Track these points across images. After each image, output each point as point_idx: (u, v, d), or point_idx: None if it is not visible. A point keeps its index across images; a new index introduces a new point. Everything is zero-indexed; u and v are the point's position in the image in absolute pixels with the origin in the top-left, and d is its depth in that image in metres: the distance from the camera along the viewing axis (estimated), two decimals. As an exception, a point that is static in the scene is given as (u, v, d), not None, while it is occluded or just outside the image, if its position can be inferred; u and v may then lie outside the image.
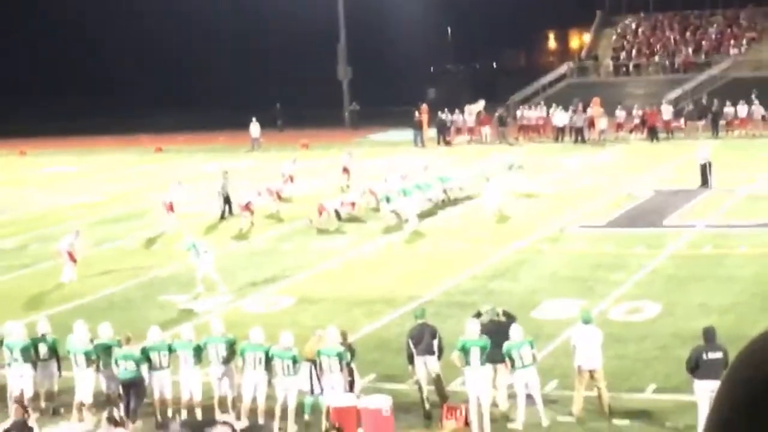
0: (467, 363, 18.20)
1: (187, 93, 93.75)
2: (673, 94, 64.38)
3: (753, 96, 57.77)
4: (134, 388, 18.86)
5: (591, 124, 58.38)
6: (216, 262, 29.43)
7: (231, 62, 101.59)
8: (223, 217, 39.02)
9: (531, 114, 61.45)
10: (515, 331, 18.43)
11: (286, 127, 71.02)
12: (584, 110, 58.57)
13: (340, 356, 18.30)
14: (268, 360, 18.64)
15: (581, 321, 19.07)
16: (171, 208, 37.24)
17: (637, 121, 58.04)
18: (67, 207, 43.40)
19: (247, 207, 36.83)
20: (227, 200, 39.28)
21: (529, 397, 18.23)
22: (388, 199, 36.47)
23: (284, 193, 40.38)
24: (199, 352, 19.13)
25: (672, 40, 75.25)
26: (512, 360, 18.16)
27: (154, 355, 19.14)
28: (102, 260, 33.00)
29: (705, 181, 40.22)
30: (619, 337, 22.13)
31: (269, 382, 18.77)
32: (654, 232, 33.29)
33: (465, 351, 18.17)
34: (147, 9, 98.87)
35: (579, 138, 57.24)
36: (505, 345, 18.25)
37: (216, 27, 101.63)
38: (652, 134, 56.19)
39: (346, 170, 44.88)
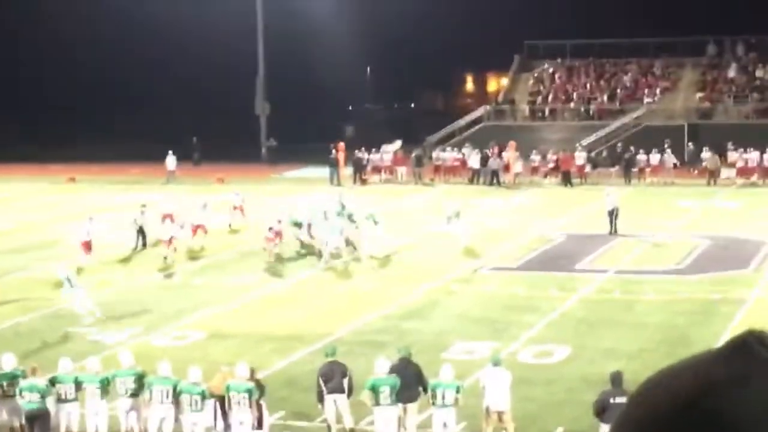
0: (377, 402, 18.18)
1: (102, 123, 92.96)
2: (588, 140, 65.10)
3: (665, 144, 58.66)
4: (39, 420, 18.57)
5: (506, 167, 58.82)
6: (127, 295, 29.11)
7: (148, 93, 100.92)
8: (136, 248, 38.66)
9: (446, 155, 61.78)
10: (446, 371, 18.45)
11: (203, 160, 70.69)
12: (500, 153, 59.00)
13: (249, 392, 18.19)
14: (176, 394, 18.47)
15: (491, 363, 19.15)
16: (88, 247, 36.55)
17: (551, 165, 58.60)
18: (-25, 235, 42.71)
19: (170, 241, 36.52)
20: (141, 232, 38.92)
21: None
22: (299, 225, 36.75)
23: (206, 225, 39.72)
24: (106, 384, 18.90)
25: (587, 87, 76.19)
26: (434, 397, 18.18)
27: (60, 387, 18.87)
28: (9, 290, 32.50)
29: (613, 228, 40.62)
30: (528, 380, 22.24)
31: (176, 417, 18.59)
32: (565, 275, 33.55)
33: (375, 390, 18.15)
34: (63, 37, 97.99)
35: (494, 180, 57.63)
36: (433, 381, 18.30)
37: (133, 57, 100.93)
38: (566, 179, 56.75)
39: (238, 209, 43.37)
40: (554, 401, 21.15)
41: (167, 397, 18.46)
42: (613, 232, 40.38)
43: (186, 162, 66.57)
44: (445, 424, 18.19)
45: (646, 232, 40.82)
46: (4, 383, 19.06)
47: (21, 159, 72.00)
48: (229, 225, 42.37)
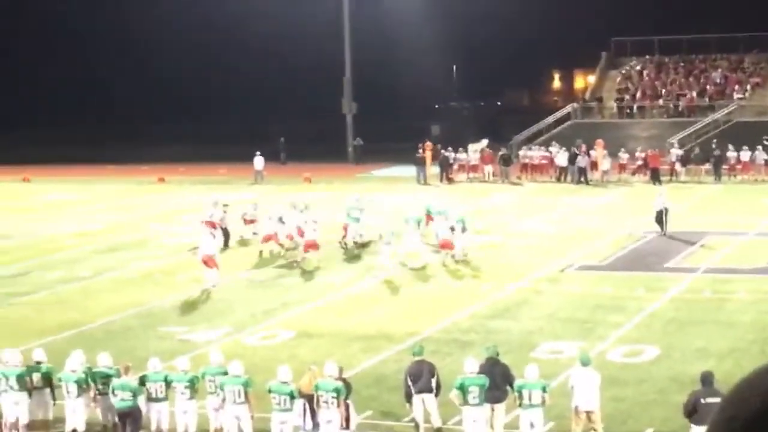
0: (465, 402, 18.16)
1: (191, 125, 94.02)
2: (677, 137, 64.43)
3: (764, 142, 57.81)
4: (130, 418, 18.81)
5: (594, 165, 58.45)
6: (216, 294, 29.43)
7: (236, 95, 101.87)
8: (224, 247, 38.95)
9: (534, 153, 61.51)
10: (531, 371, 18.35)
11: (290, 160, 71.12)
12: (588, 151, 58.62)
13: (337, 391, 18.25)
14: (248, 393, 18.56)
15: (579, 363, 19.02)
16: (213, 225, 36.94)
17: (639, 163, 58.10)
18: (68, 235, 43.40)
19: (269, 238, 36.97)
20: (225, 232, 39.21)
21: None
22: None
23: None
24: (194, 383, 19.08)
25: (676, 84, 75.41)
26: (521, 398, 18.08)
27: (151, 386, 19.10)
28: (101, 289, 32.99)
29: (663, 228, 39.89)
30: (617, 380, 22.08)
31: (251, 416, 18.66)
32: (654, 275, 33.25)
33: (463, 389, 18.13)
34: (154, 41, 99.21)
35: (581, 178, 57.25)
36: (519, 382, 18.20)
37: (223, 60, 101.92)
38: (655, 177, 56.21)
39: (250, 222, 40.97)
40: (644, 401, 20.97)
41: (239, 396, 18.57)
42: (664, 231, 39.68)
43: (274, 162, 67.02)
44: (532, 424, 18.11)
45: (736, 230, 40.30)
46: (99, 381, 19.35)
47: (111, 160, 72.99)
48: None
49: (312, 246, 35.60)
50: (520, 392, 18.11)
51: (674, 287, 31.24)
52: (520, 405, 18.15)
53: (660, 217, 39.92)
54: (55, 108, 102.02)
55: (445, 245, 35.68)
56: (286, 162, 71.06)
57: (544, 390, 18.27)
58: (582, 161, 57.73)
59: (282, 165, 69.71)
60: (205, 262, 32.80)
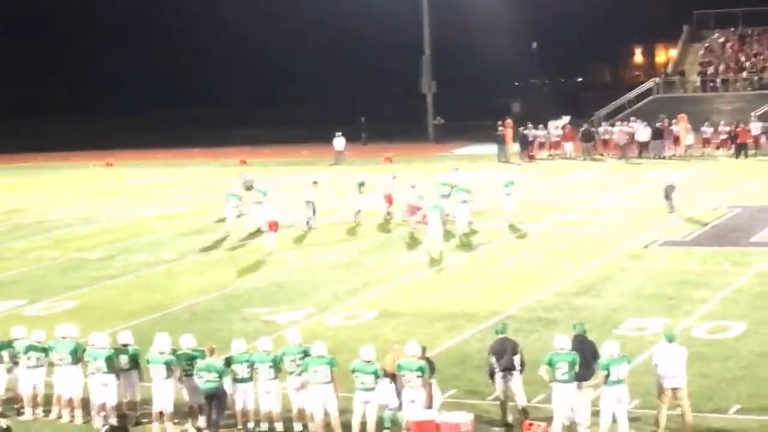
0: (554, 378, 18.07)
1: (272, 107, 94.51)
2: (761, 110, 63.50)
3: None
4: (216, 399, 18.95)
5: (677, 139, 57.85)
6: (300, 275, 29.62)
7: (316, 76, 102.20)
8: (308, 224, 39.23)
9: (615, 129, 60.97)
10: (612, 346, 18.16)
11: (370, 140, 71.26)
12: (670, 125, 58.01)
13: (421, 370, 18.25)
14: (333, 373, 18.58)
15: (665, 339, 18.83)
16: (275, 226, 37.02)
17: (724, 137, 57.41)
18: (152, 218, 43.89)
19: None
20: (313, 208, 39.55)
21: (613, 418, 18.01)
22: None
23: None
24: (276, 363, 19.17)
25: (761, 56, 74.28)
26: (608, 374, 17.91)
27: (236, 367, 19.23)
28: (185, 271, 33.32)
29: (671, 204, 39.39)
30: (703, 356, 21.86)
31: (336, 395, 18.70)
32: (740, 249, 32.85)
33: (552, 365, 18.04)
34: (240, 27, 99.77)
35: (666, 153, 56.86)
36: (604, 359, 18.03)
37: (302, 41, 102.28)
38: (740, 150, 55.51)
39: (389, 198, 41.33)
40: (730, 377, 20.74)
41: (325, 376, 18.60)
42: (672, 210, 39.16)
43: (355, 142, 67.22)
44: (619, 400, 17.97)
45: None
46: (184, 363, 19.52)
47: (195, 143, 73.67)
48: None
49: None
50: (608, 369, 17.94)
51: (760, 262, 30.83)
52: (607, 382, 17.97)
53: (667, 194, 39.44)
54: (137, 93, 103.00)
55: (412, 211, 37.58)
56: (366, 142, 71.22)
57: (628, 362, 18.13)
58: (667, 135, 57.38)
59: (363, 145, 69.86)
60: (270, 226, 35.82)
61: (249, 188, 41.97)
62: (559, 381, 18.05)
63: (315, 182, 40.80)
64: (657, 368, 18.27)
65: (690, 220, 38.06)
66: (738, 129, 56.70)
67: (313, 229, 39.05)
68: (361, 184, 40.60)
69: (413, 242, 36.23)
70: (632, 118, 62.29)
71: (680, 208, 39.61)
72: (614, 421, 17.86)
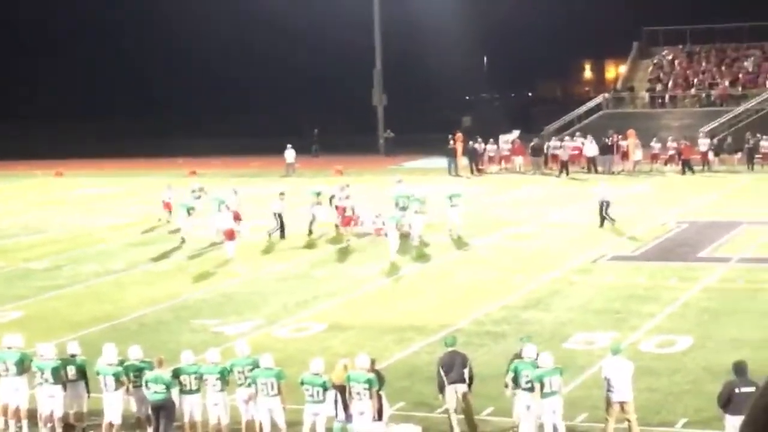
0: (516, 386, 18.27)
1: (222, 118, 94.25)
2: (708, 127, 64.12)
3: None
4: (164, 411, 18.88)
5: (625, 155, 58.27)
6: (249, 286, 29.58)
7: (268, 88, 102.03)
8: (281, 235, 39.36)
9: (565, 144, 61.27)
10: (546, 358, 18.36)
11: (320, 152, 71.26)
12: (618, 141, 58.44)
13: (369, 383, 18.27)
14: (280, 385, 18.59)
15: (611, 353, 18.98)
16: (232, 235, 36.92)
17: (672, 152, 57.88)
18: (101, 228, 43.63)
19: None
20: (280, 219, 39.54)
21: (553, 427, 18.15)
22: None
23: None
24: (224, 375, 19.12)
25: (709, 73, 75.00)
26: (542, 386, 18.08)
27: (183, 378, 19.17)
28: (134, 282, 33.15)
29: (603, 220, 39.76)
30: (651, 370, 22.01)
31: (284, 408, 18.69)
32: (687, 264, 33.11)
33: (517, 373, 18.27)
34: (185, 35, 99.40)
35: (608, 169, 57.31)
36: (537, 372, 18.20)
37: (252, 52, 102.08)
38: (684, 167, 55.99)
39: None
40: (677, 392, 20.89)
41: (272, 389, 18.60)
42: (602, 225, 39.57)
43: (306, 154, 67.31)
44: (554, 412, 18.14)
45: (771, 219, 40.10)
46: (132, 374, 19.44)
47: (144, 153, 73.33)
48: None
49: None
50: (541, 381, 18.11)
51: (707, 277, 31.11)
52: (542, 393, 18.13)
53: (601, 210, 39.77)
54: (87, 103, 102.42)
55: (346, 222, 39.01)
56: (317, 154, 71.25)
57: (561, 374, 18.31)
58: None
59: (313, 157, 69.87)
60: (227, 235, 36.37)
61: (198, 197, 41.85)
62: (524, 389, 18.25)
63: (282, 193, 40.76)
64: (605, 382, 18.40)
65: (638, 235, 38.30)
66: (683, 146, 57.14)
67: (275, 241, 38.93)
68: (318, 194, 40.66)
69: (363, 255, 36.25)
70: (578, 134, 62.75)
71: (619, 222, 39.83)
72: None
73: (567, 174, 56.23)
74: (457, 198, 39.25)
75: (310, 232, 39.74)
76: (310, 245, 38.32)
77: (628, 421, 18.24)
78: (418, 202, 38.43)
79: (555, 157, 60.15)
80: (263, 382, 18.67)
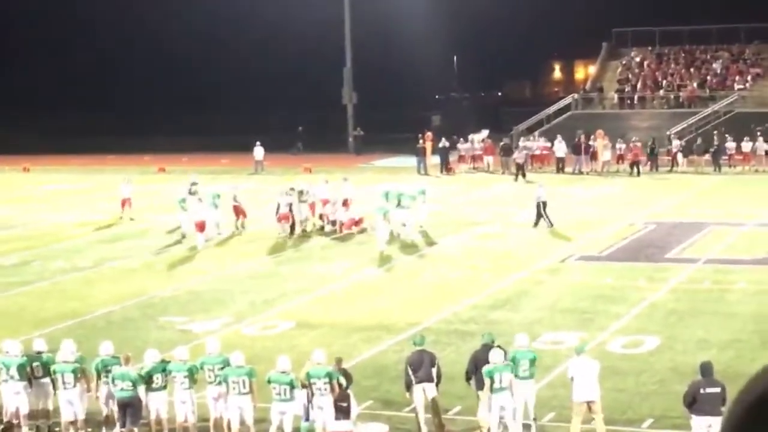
0: (492, 389, 18.41)
1: (190, 115, 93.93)
2: (677, 128, 64.42)
3: (757, 132, 57.97)
4: (130, 408, 18.80)
5: (594, 155, 58.44)
6: (217, 284, 29.55)
7: (238, 85, 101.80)
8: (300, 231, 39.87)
9: (533, 144, 61.43)
10: (497, 354, 18.50)
11: (289, 151, 71.14)
12: (588, 142, 58.60)
13: (329, 376, 18.31)
14: (252, 384, 18.56)
15: (575, 352, 19.07)
16: (202, 227, 37.42)
17: (619, 154, 58.19)
18: (69, 225, 43.42)
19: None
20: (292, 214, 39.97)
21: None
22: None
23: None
24: (193, 373, 19.06)
25: (677, 75, 75.34)
26: (492, 382, 18.24)
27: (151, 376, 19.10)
28: (102, 279, 33.01)
29: (538, 221, 39.95)
30: (618, 370, 22.09)
31: (254, 406, 18.67)
32: (655, 265, 33.24)
33: (491, 377, 18.40)
34: (153, 30, 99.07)
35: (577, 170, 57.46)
36: (486, 368, 18.34)
37: (221, 49, 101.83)
38: (632, 168, 56.24)
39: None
40: (644, 392, 20.97)
41: (244, 387, 18.56)
42: (538, 224, 39.84)
43: (286, 151, 68.00)
44: (502, 408, 18.30)
45: (737, 220, 40.31)
46: (101, 369, 19.37)
47: (113, 150, 73.03)
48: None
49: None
50: (491, 377, 18.25)
51: (675, 278, 31.24)
52: (492, 389, 18.27)
53: (539, 210, 39.96)
54: (54, 98, 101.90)
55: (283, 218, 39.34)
56: (300, 152, 71.28)
57: (511, 371, 18.42)
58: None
59: (296, 155, 69.80)
60: (198, 227, 37.46)
61: (194, 193, 41.46)
62: (520, 378, 18.35)
63: (291, 189, 40.72)
64: (571, 382, 18.47)
65: (606, 235, 38.43)
66: (631, 147, 57.24)
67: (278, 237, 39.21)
68: (301, 192, 40.56)
69: (331, 253, 36.25)
70: (535, 134, 63.17)
71: (536, 224, 40.02)
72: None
73: (524, 177, 55.32)
74: (422, 195, 39.51)
75: (303, 230, 39.87)
76: (277, 243, 38.25)
77: (595, 420, 18.30)
78: (409, 197, 38.92)
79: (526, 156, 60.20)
80: (234, 380, 18.62)
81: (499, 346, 19.11)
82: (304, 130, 74.02)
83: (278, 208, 39.56)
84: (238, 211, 40.47)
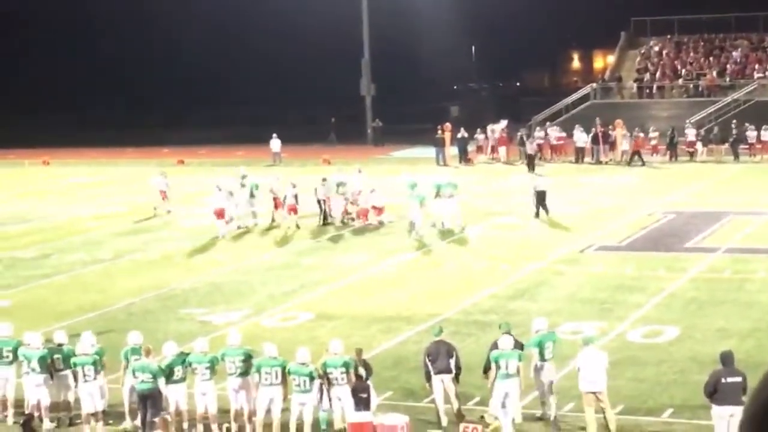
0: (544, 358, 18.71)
1: (210, 107, 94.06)
2: (696, 117, 64.20)
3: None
4: (150, 400, 18.86)
5: (613, 145, 58.28)
6: (237, 276, 29.60)
7: (257, 78, 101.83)
8: (324, 221, 40.16)
9: (552, 134, 61.26)
10: (506, 341, 18.55)
11: (310, 142, 71.14)
12: (607, 131, 58.42)
13: (346, 366, 18.36)
14: (285, 375, 18.62)
15: (583, 343, 19.04)
16: (221, 214, 37.72)
17: (654, 143, 58.02)
18: (88, 218, 43.56)
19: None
20: (320, 204, 40.33)
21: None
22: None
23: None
24: (214, 364, 19.11)
25: (696, 63, 75.06)
26: (498, 368, 18.29)
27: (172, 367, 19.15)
28: (122, 271, 33.11)
29: (539, 211, 39.88)
30: (637, 360, 22.06)
31: (285, 398, 18.74)
32: (674, 255, 33.16)
33: (541, 346, 18.76)
34: (173, 25, 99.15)
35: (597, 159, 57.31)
36: (494, 353, 18.42)
37: (242, 42, 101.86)
38: (633, 158, 56.10)
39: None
40: (664, 381, 20.94)
41: (276, 378, 18.61)
42: (539, 214, 39.80)
43: (322, 142, 68.09)
44: (506, 395, 18.28)
45: (757, 209, 40.17)
46: (130, 357, 19.49)
47: (132, 143, 73.20)
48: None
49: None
50: (497, 362, 18.31)
51: (694, 267, 31.16)
52: (497, 375, 18.32)
53: (538, 201, 39.85)
54: (74, 92, 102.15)
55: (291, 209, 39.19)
56: (336, 142, 71.40)
57: (519, 358, 18.44)
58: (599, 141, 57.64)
59: (332, 146, 69.92)
60: (217, 214, 37.95)
61: (244, 185, 41.41)
62: (547, 360, 18.88)
63: (324, 179, 40.80)
64: (578, 373, 18.48)
65: (626, 225, 38.35)
66: (636, 138, 57.07)
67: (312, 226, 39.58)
68: (340, 184, 40.53)
69: (351, 244, 36.27)
70: (547, 124, 63.01)
71: (552, 214, 39.89)
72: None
73: (532, 169, 54.16)
74: (452, 188, 39.15)
75: (345, 222, 40.01)
76: (295, 235, 38.29)
77: (603, 410, 18.27)
78: (451, 187, 38.96)
79: (541, 146, 60.10)
80: (267, 371, 18.66)
81: (509, 334, 19.19)
82: (337, 121, 74.28)
83: (285, 199, 39.45)
84: (278, 203, 40.30)
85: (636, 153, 56.31)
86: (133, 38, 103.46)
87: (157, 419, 18.79)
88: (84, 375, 19.23)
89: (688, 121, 61.81)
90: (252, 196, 40.23)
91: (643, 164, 55.42)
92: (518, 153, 59.12)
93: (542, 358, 19.08)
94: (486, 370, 19.03)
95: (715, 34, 77.76)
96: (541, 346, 19.07)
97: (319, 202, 40.32)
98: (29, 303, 29.21)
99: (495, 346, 18.96)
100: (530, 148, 56.79)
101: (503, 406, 18.34)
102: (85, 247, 37.14)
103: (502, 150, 60.30)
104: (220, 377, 19.36)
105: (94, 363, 19.23)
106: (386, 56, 79.45)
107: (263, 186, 40.95)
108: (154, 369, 18.87)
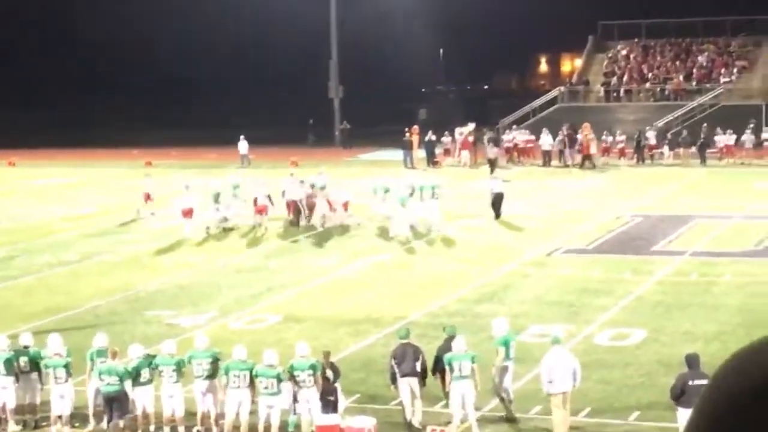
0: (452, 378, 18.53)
1: (179, 109, 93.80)
2: (662, 121, 64.52)
3: (747, 125, 58.15)
4: (116, 402, 18.79)
5: (582, 149, 58.42)
6: (204, 278, 29.48)
7: (225, 79, 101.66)
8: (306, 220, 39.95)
9: (519, 137, 61.39)
10: (459, 342, 18.64)
11: (279, 144, 71.06)
12: (573, 135, 58.60)
13: (313, 368, 18.36)
14: (252, 378, 18.59)
15: (551, 343, 19.15)
16: (189, 213, 37.70)
17: (621, 146, 58.25)
18: (55, 219, 43.30)
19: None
20: (296, 205, 39.99)
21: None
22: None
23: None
24: (181, 367, 19.06)
25: (663, 67, 75.41)
26: (452, 370, 18.37)
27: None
28: (89, 273, 32.94)
29: (497, 213, 40.12)
30: (604, 363, 22.14)
31: (253, 400, 18.70)
32: (641, 258, 33.30)
33: (507, 345, 18.78)
34: (142, 26, 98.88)
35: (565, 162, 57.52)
36: (447, 355, 18.50)
37: (209, 43, 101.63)
38: (584, 161, 56.36)
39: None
40: (631, 384, 21.02)
41: (244, 381, 18.58)
42: (497, 217, 40.10)
43: (301, 144, 68.63)
44: (462, 396, 18.37)
45: (723, 213, 40.39)
46: (96, 360, 19.40)
47: (101, 144, 72.89)
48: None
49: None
50: (450, 365, 18.38)
51: (661, 270, 31.30)
52: (452, 377, 18.42)
53: (494, 203, 40.03)
54: (41, 91, 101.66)
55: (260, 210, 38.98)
56: (314, 144, 71.35)
57: (473, 360, 18.50)
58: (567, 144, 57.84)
59: (310, 147, 69.89)
60: (184, 213, 37.94)
61: (236, 196, 40.94)
62: (511, 359, 19.21)
63: (302, 181, 40.62)
64: (547, 372, 18.52)
65: (593, 228, 38.47)
66: (585, 140, 57.25)
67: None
68: (323, 188, 40.34)
69: (319, 247, 36.23)
70: (514, 127, 63.32)
71: (520, 217, 40.07)
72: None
73: (492, 173, 54.41)
74: (434, 189, 39.10)
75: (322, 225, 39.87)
76: (263, 237, 38.22)
77: (566, 410, 18.33)
78: (432, 187, 38.87)
79: (509, 149, 60.24)
80: (236, 374, 18.62)
81: (453, 337, 19.32)
82: (314, 123, 74.31)
83: (256, 201, 39.25)
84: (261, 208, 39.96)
85: (587, 157, 56.50)
86: (104, 38, 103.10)
87: (122, 422, 18.73)
88: (56, 377, 19.15)
89: (648, 127, 62.06)
90: (235, 197, 39.97)
91: (594, 167, 55.60)
92: (485, 156, 59.14)
93: (507, 357, 19.14)
94: (435, 371, 19.15)
95: (682, 39, 78.13)
96: (507, 344, 19.14)
97: (295, 203, 39.98)
98: (-5, 305, 29.02)
99: (446, 348, 19.02)
100: (490, 152, 56.60)
101: (463, 407, 18.43)
102: (52, 249, 36.93)
103: (464, 153, 60.09)
104: (187, 380, 19.31)
105: (66, 365, 19.16)
106: (354, 58, 79.45)
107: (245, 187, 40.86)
108: (120, 371, 18.80)
